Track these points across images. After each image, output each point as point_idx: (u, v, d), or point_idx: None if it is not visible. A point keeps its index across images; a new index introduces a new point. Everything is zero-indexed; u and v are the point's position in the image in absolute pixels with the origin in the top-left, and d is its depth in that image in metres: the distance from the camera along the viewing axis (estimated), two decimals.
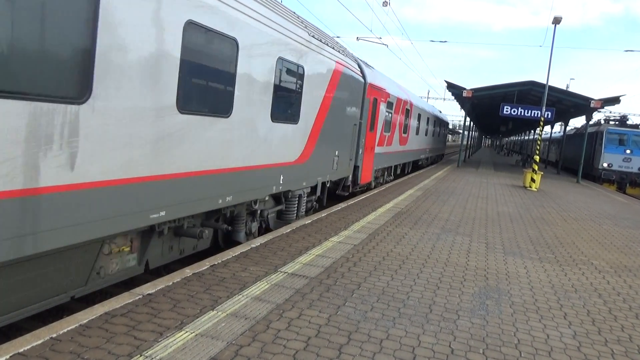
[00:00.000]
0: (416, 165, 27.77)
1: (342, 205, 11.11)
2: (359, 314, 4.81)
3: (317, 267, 6.17)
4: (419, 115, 23.67)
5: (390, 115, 16.70)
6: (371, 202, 12.11)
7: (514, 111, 26.22)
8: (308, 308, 4.83)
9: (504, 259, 7.67)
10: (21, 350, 3.56)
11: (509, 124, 43.18)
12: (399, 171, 21.02)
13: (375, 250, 7.33)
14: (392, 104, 16.77)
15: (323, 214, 9.78)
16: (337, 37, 30.38)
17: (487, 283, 6.27)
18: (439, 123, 33.76)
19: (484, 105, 34.01)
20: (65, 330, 3.91)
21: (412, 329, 4.58)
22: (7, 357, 3.46)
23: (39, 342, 3.70)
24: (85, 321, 4.10)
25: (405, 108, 19.37)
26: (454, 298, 5.56)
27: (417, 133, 23.45)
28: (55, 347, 3.66)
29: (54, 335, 3.81)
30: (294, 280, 5.59)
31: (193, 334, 4.06)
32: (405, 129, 19.98)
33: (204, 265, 5.82)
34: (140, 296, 4.72)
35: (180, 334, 4.05)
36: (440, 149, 37.01)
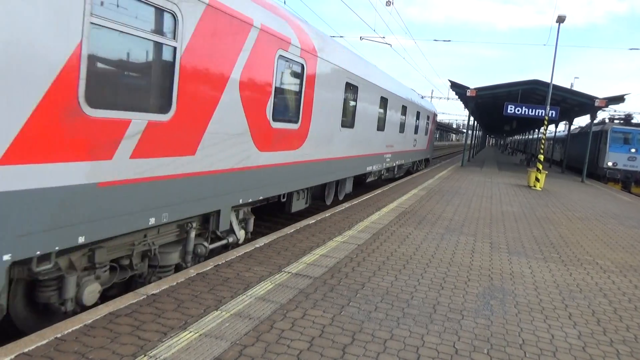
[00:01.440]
0: (361, 184, 16.89)
1: (345, 205, 11.10)
2: (362, 314, 4.80)
3: (321, 267, 6.16)
4: (355, 89, 11.82)
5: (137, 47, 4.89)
6: (375, 201, 12.09)
7: (518, 110, 26.15)
8: (312, 308, 4.83)
9: (509, 258, 7.64)
10: (26, 350, 3.57)
11: (513, 123, 43.10)
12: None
13: (379, 250, 7.32)
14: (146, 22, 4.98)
15: (327, 214, 9.77)
16: (341, 36, 30.30)
17: (491, 283, 6.25)
18: (417, 112, 20.98)
19: (487, 104, 33.93)
20: (69, 331, 3.92)
21: (416, 329, 4.57)
22: (13, 356, 3.47)
23: (44, 342, 3.71)
24: (89, 321, 4.11)
25: (279, 55, 7.72)
26: (458, 298, 5.54)
27: (348, 124, 11.70)
28: (59, 347, 3.67)
29: (59, 335, 3.83)
30: (298, 280, 5.59)
31: (197, 334, 4.07)
32: (294, 107, 8.64)
33: (208, 265, 5.82)
34: (145, 296, 4.73)
35: (184, 334, 4.05)
36: (419, 153, 23.46)
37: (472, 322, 4.86)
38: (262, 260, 6.25)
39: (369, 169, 14.17)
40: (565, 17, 20.64)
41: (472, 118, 37.01)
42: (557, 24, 21.21)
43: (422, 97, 24.34)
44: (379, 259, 6.80)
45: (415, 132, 21.40)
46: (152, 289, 4.93)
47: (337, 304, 5.00)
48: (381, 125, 14.83)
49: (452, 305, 5.28)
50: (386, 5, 31.00)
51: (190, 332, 4.10)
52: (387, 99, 15.01)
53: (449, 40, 33.16)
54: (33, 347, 3.63)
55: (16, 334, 5.06)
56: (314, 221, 8.90)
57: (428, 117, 24.96)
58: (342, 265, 6.36)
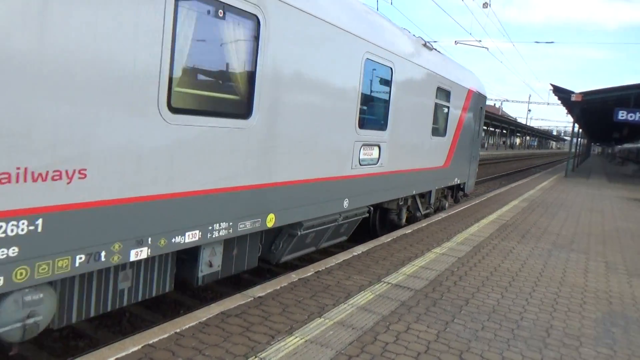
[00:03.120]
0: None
1: (442, 215, 10.78)
2: (469, 332, 4.60)
3: (422, 280, 6.02)
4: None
5: None
6: (473, 212, 11.61)
7: (631, 116, 23.80)
8: (415, 322, 4.72)
9: (629, 281, 6.94)
10: (150, 342, 3.86)
11: (624, 130, 39.32)
12: None
13: (482, 264, 7.00)
14: None
15: (423, 223, 9.55)
16: (435, 41, 29.60)
17: (611, 308, 5.70)
18: (405, 78, 8.22)
19: (594, 110, 31.29)
20: (187, 327, 4.18)
21: (530, 353, 4.28)
22: (140, 347, 3.77)
23: (165, 335, 3.99)
24: (204, 319, 4.35)
25: None
26: (573, 322, 5.12)
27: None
28: (179, 341, 3.92)
29: (178, 330, 4.09)
30: (399, 292, 5.50)
31: (303, 339, 4.14)
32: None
33: (309, 271, 5.92)
34: (252, 298, 4.92)
35: (291, 338, 4.14)
36: (414, 178, 9.25)
37: (592, 351, 4.46)
38: (361, 269, 6.23)
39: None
40: None
41: (576, 125, 34.36)
42: None
43: (431, 47, 9.82)
44: (482, 274, 6.49)
45: (420, 127, 9.25)
46: (258, 291, 5.12)
47: (440, 319, 4.85)
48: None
49: (568, 330, 4.88)
50: (483, 7, 29.83)
51: (296, 337, 4.18)
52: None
53: (552, 42, 31.15)
54: (156, 339, 3.91)
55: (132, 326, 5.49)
56: (410, 231, 8.74)
57: (447, 95, 10.54)
58: (443, 278, 6.16)
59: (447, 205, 12.50)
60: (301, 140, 5.76)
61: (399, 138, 8.33)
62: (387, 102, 7.79)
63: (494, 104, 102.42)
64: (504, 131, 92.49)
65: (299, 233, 6.10)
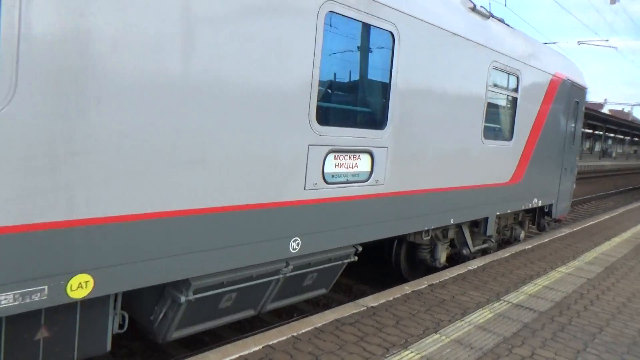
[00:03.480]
0: None
1: (565, 230, 9.92)
2: None
3: (546, 301, 5.56)
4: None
5: None
6: (602, 229, 10.52)
7: None
8: (541, 347, 4.36)
9: None
10: (270, 343, 4.01)
11: None
12: None
13: (616, 288, 6.29)
14: None
15: (545, 239, 8.86)
16: (554, 42, 27.54)
17: None
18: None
19: None
20: (303, 331, 4.28)
21: None
22: (260, 347, 3.93)
23: (284, 338, 4.12)
24: (319, 325, 4.42)
25: None
26: None
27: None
28: (296, 345, 4.02)
29: (295, 334, 4.20)
30: (520, 313, 5.14)
31: (419, 355, 4.02)
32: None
33: (422, 283, 5.77)
34: (364, 308, 4.90)
35: (406, 353, 4.05)
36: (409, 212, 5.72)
37: None
38: (478, 284, 5.93)
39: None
40: None
41: None
42: None
43: (488, 14, 6.87)
44: (618, 299, 5.83)
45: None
46: (371, 301, 5.09)
47: (570, 347, 4.43)
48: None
49: None
50: (610, 3, 27.21)
51: (412, 352, 4.07)
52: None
53: None
54: (275, 341, 4.05)
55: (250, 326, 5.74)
56: (530, 246, 8.15)
57: (513, 82, 7.42)
58: (572, 301, 5.63)
59: (522, 235, 9.06)
60: (167, 140, 3.28)
61: (413, 141, 5.47)
62: (385, 86, 5.06)
63: (623, 109, 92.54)
64: (635, 139, 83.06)
65: (184, 299, 3.75)
